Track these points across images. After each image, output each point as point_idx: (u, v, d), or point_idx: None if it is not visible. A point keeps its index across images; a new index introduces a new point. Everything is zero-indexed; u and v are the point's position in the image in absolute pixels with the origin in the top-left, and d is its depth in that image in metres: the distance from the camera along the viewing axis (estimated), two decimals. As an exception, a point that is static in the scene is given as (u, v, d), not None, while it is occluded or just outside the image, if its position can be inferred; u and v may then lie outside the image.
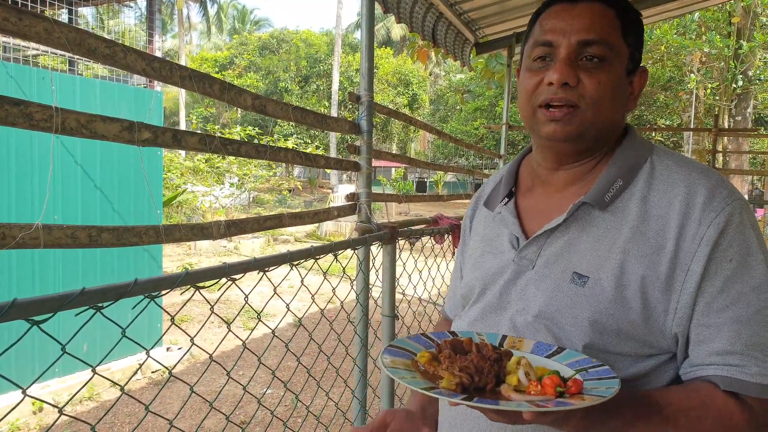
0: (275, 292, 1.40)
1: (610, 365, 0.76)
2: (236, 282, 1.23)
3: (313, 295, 1.56)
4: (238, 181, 13.06)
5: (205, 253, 9.92)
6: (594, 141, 0.84)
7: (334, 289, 1.64)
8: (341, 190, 14.83)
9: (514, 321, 0.85)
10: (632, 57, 0.83)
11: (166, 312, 1.09)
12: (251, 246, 10.23)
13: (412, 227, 2.16)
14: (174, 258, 9.71)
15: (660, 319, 0.77)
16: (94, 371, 0.96)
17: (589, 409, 0.67)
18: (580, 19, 0.80)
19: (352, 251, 1.75)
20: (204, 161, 12.21)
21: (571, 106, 0.80)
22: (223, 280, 1.18)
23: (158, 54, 4.81)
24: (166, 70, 1.11)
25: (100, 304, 0.93)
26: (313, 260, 1.54)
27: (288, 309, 1.44)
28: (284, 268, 1.39)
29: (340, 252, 1.65)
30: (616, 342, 0.78)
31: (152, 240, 1.12)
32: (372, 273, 1.94)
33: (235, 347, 5.10)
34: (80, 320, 0.99)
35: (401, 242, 2.02)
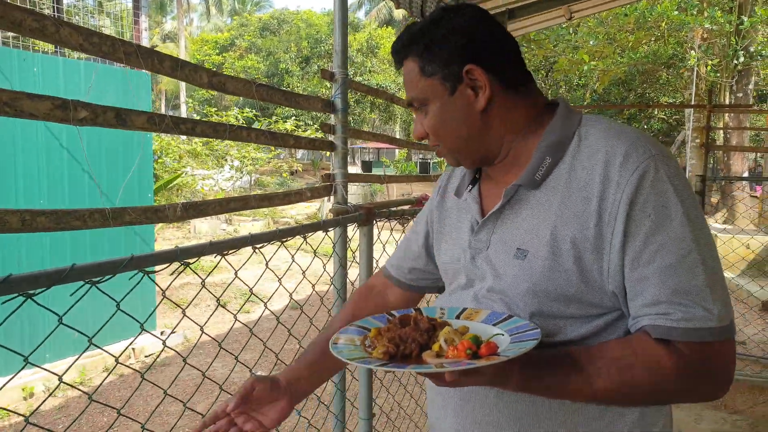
0: (236, 275, 1.36)
1: (561, 329, 0.85)
2: (190, 266, 1.19)
3: (279, 279, 1.52)
4: (239, 164, 12.98)
5: (205, 237, 9.93)
6: (478, 152, 0.92)
7: (304, 272, 1.60)
8: (341, 172, 14.73)
9: (476, 295, 0.93)
10: (447, 77, 0.87)
11: (160, 287, 1.06)
12: (250, 228, 10.23)
13: (392, 208, 2.11)
14: (174, 241, 9.73)
15: (597, 279, 0.81)
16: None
17: (525, 367, 0.78)
18: (404, 81, 0.92)
19: (324, 233, 1.71)
20: (202, 144, 12.13)
21: (437, 145, 0.94)
22: (210, 259, 1.14)
23: (145, 34, 4.73)
24: (107, 46, 1.06)
25: (93, 280, 0.89)
26: (302, 240, 1.51)
27: (251, 292, 1.41)
28: (273, 247, 1.34)
29: (310, 234, 1.60)
30: (561, 306, 0.84)
31: (98, 224, 1.08)
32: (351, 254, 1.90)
33: (228, 330, 5.11)
34: (72, 300, 0.99)
35: (380, 223, 1.98)
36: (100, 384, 1.50)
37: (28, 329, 3.78)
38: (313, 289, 1.61)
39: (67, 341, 3.96)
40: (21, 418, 3.58)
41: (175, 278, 1.24)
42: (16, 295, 0.87)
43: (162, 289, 1.17)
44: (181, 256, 1.14)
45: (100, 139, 4.13)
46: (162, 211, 1.24)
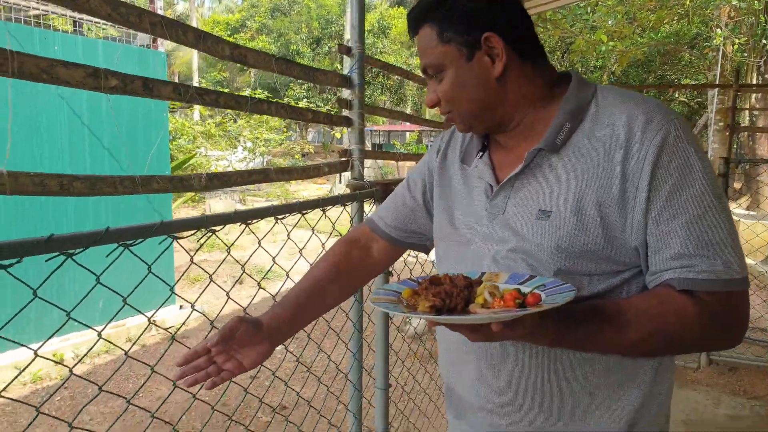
0: (259, 244, 1.40)
1: (581, 286, 0.86)
2: (216, 233, 1.23)
3: (300, 250, 1.56)
4: (252, 145, 13.04)
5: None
6: (492, 119, 0.94)
7: (323, 243, 1.63)
8: (355, 153, 14.74)
9: (495, 258, 0.94)
10: (465, 43, 0.89)
11: (186, 251, 1.10)
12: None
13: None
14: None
15: (620, 236, 0.84)
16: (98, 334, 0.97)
17: (560, 320, 0.80)
18: (418, 49, 0.95)
19: (342, 207, 1.74)
20: (215, 125, 12.19)
21: (449, 112, 0.96)
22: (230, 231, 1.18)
23: (160, 12, 4.75)
24: (134, 16, 1.09)
25: (122, 243, 0.93)
26: (318, 218, 1.54)
27: (275, 262, 1.45)
28: (287, 226, 1.38)
29: (328, 208, 1.63)
30: (584, 264, 0.86)
31: (128, 190, 1.12)
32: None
33: (246, 305, 5.21)
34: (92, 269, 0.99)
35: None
36: (131, 348, 1.56)
37: (56, 298, 3.90)
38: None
39: (94, 312, 4.09)
40: (53, 383, 3.72)
41: (200, 247, 1.28)
42: (57, 254, 0.91)
43: (190, 255, 1.21)
44: (208, 222, 1.18)
45: (119, 119, 4.19)
46: (188, 180, 1.28)
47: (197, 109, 13.91)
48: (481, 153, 1.01)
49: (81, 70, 0.97)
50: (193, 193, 9.79)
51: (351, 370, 1.93)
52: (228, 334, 0.94)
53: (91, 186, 1.04)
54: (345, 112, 1.92)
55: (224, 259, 1.21)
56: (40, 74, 0.90)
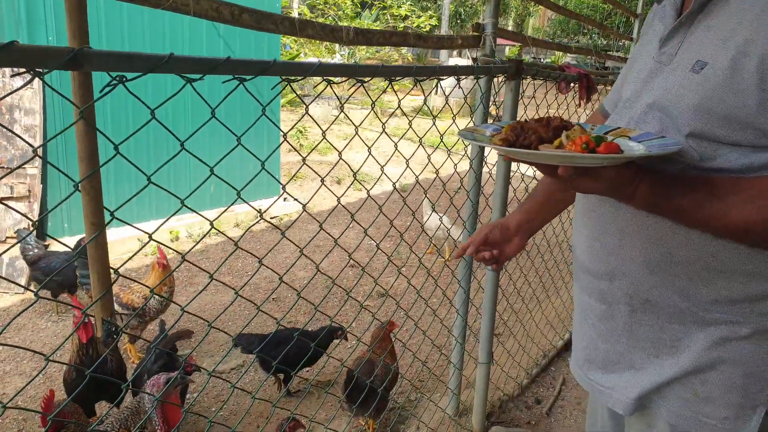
0: (402, 106, 1.40)
1: (719, 155, 0.76)
2: (364, 84, 1.23)
3: (414, 149, 1.54)
4: (349, 53, 12.93)
5: (318, 119, 10.27)
6: None
7: (427, 156, 1.60)
8: (451, 65, 14.21)
9: (632, 117, 0.88)
10: None
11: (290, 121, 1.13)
12: (359, 118, 10.38)
13: (539, 69, 2.01)
14: (288, 123, 10.16)
15: None
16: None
17: (655, 184, 0.74)
18: None
19: (475, 79, 1.68)
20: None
21: None
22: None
23: None
24: None
25: (243, 77, 0.97)
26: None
27: (355, 172, 1.45)
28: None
29: (463, 78, 1.58)
30: (726, 130, 0.74)
31: (287, 30, 1.14)
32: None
33: (345, 204, 5.42)
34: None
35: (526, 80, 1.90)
36: (244, 233, 1.66)
37: (173, 182, 4.27)
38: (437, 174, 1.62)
39: (204, 195, 4.46)
40: (171, 255, 4.16)
41: (325, 128, 1.30)
42: (232, 77, 0.95)
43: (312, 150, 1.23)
44: (358, 72, 1.19)
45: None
46: (338, 32, 1.28)
47: (296, 11, 13.85)
48: None
49: None
50: (293, 96, 10.00)
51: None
52: (482, 240, 1.14)
53: (257, 20, 1.06)
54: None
55: (306, 157, 1.22)
56: None
